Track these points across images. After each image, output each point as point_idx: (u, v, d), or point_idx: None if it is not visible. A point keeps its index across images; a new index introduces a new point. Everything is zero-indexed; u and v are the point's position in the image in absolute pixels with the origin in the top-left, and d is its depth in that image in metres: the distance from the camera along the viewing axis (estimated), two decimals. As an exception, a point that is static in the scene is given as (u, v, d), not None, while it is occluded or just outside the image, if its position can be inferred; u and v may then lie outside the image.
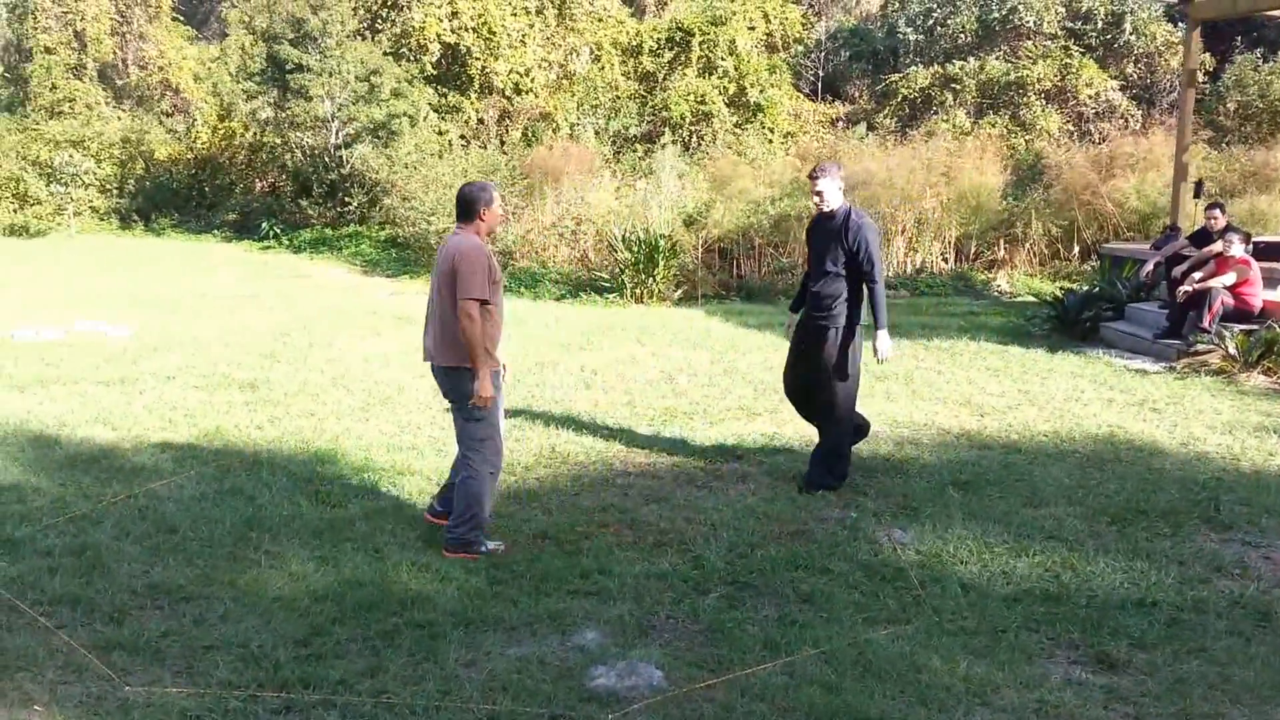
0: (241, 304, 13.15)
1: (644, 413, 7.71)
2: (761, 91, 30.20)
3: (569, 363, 9.45)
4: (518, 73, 27.63)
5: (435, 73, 26.27)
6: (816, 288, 6.07)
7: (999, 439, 7.14)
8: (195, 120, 26.95)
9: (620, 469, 6.40)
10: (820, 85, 34.52)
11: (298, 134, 22.74)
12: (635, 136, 28.05)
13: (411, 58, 25.53)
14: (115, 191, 26.17)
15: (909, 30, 30.26)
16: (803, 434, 7.15)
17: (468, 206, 5.01)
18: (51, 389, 8.19)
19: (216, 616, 4.15)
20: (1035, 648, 4.14)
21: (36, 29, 30.54)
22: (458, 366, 4.94)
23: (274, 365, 9.23)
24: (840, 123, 30.07)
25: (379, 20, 26.89)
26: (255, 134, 24.26)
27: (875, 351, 6.05)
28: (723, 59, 29.92)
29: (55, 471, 6.02)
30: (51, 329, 10.88)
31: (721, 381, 8.76)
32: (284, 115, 22.38)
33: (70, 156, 24.89)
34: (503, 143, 25.33)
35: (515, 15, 27.95)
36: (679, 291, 15.33)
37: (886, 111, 28.55)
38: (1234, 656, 4.03)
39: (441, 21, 25.92)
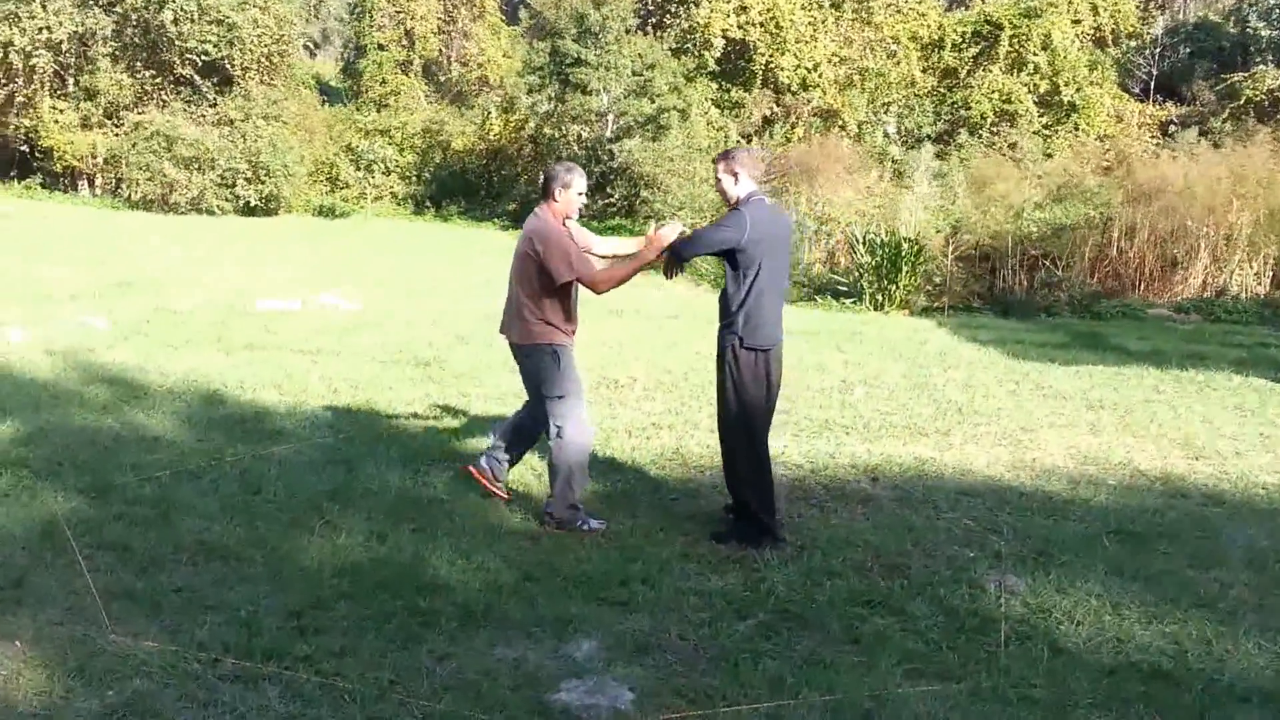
0: (474, 290, 13.85)
1: (797, 422, 7.32)
2: (1078, 90, 28.10)
3: (751, 365, 9.15)
4: (805, 68, 27.32)
5: (718, 68, 26.54)
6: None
7: (1203, 487, 6.17)
8: (489, 113, 28.77)
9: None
10: (1153, 85, 31.63)
11: (574, 127, 23.75)
12: (928, 136, 26.94)
13: (695, 53, 25.93)
14: (414, 179, 28.50)
15: (1262, 25, 26.95)
16: (962, 461, 6.52)
17: (546, 184, 5.15)
18: (254, 353, 8.98)
19: (237, 579, 4.33)
20: (1104, 733, 3.49)
21: (372, 27, 33.80)
22: (523, 344, 5.11)
23: (461, 347, 9.63)
24: (1172, 125, 27.39)
25: (666, 15, 27.54)
26: (535, 127, 25.54)
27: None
28: (1035, 54, 28.12)
29: (200, 428, 6.57)
30: (293, 301, 11.97)
31: (903, 397, 8.17)
32: (562, 109, 23.46)
33: (374, 144, 27.37)
34: (788, 140, 25.18)
35: (805, 8, 27.59)
36: (926, 300, 14.54)
37: (1225, 115, 25.66)
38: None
39: (728, 16, 26.10)
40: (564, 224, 5.12)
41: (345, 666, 3.63)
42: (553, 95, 23.47)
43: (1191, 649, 4.11)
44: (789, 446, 6.74)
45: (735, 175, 4.95)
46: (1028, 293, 14.85)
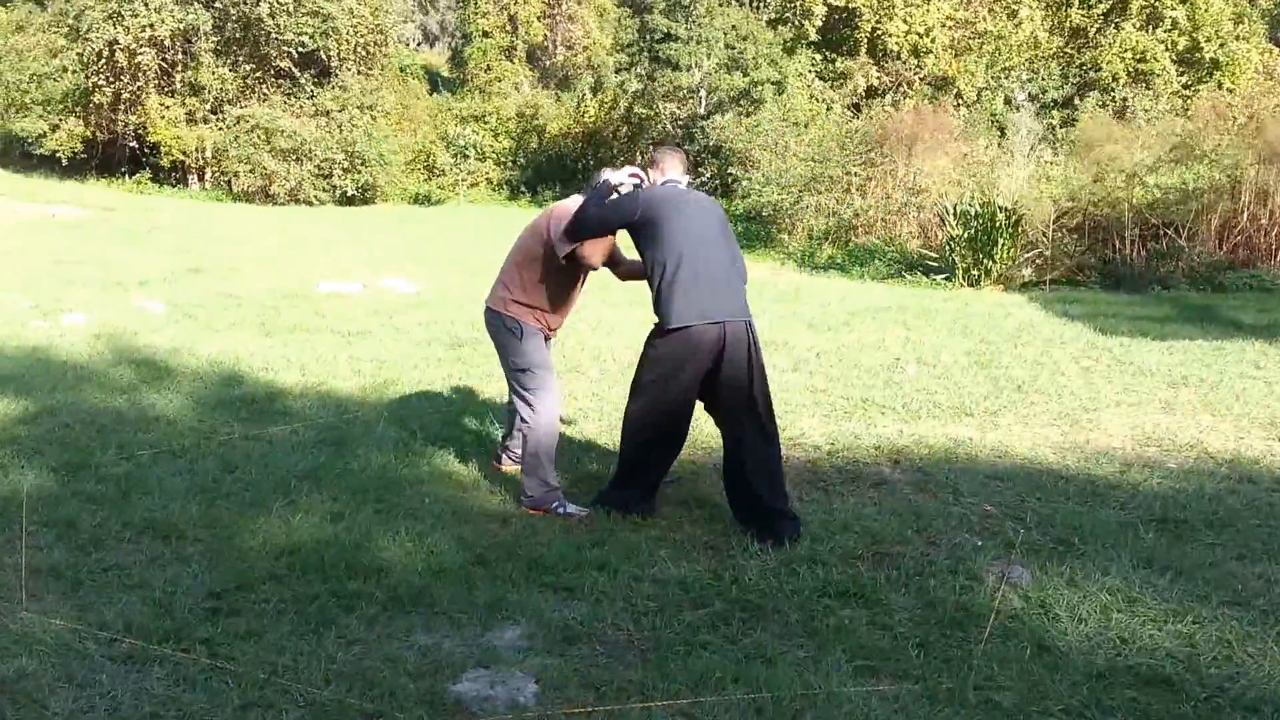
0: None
1: (832, 402, 6.96)
2: (1221, 46, 26.47)
3: (801, 343, 8.80)
4: (916, 33, 26.44)
5: (819, 38, 25.89)
6: None
7: (1278, 472, 5.55)
8: (584, 95, 28.80)
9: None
10: (1313, 37, 29.58)
11: (666, 105, 23.52)
12: (1054, 102, 25.72)
13: (794, 22, 25.36)
14: (509, 164, 28.76)
15: None
16: (1003, 443, 6.08)
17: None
18: (294, 335, 9.07)
19: (173, 558, 4.26)
20: (1067, 746, 3.11)
21: (477, 14, 34.25)
22: (491, 308, 5.11)
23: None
24: (1330, 81, 25.49)
25: (765, -16, 26.99)
26: (626, 106, 25.42)
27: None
28: (1172, 8, 26.58)
29: (206, 408, 6.61)
30: (354, 283, 12.11)
31: (959, 375, 7.69)
32: (653, 87, 23.27)
33: (467, 130, 27.71)
34: (896, 108, 24.41)
35: (916, -33, 26.66)
36: (1027, 273, 13.81)
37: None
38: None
39: (830, -19, 25.43)
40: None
41: (243, 650, 3.51)
42: (643, 73, 23.28)
43: (1206, 652, 3.66)
44: (813, 428, 6.39)
45: (661, 170, 4.88)
46: (1144, 264, 13.94)
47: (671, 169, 4.88)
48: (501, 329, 5.04)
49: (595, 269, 5.11)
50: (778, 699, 3.29)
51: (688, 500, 5.17)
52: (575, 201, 4.99)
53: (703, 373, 4.59)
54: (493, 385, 7.43)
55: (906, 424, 6.49)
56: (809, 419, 6.59)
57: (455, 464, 5.63)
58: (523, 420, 5.03)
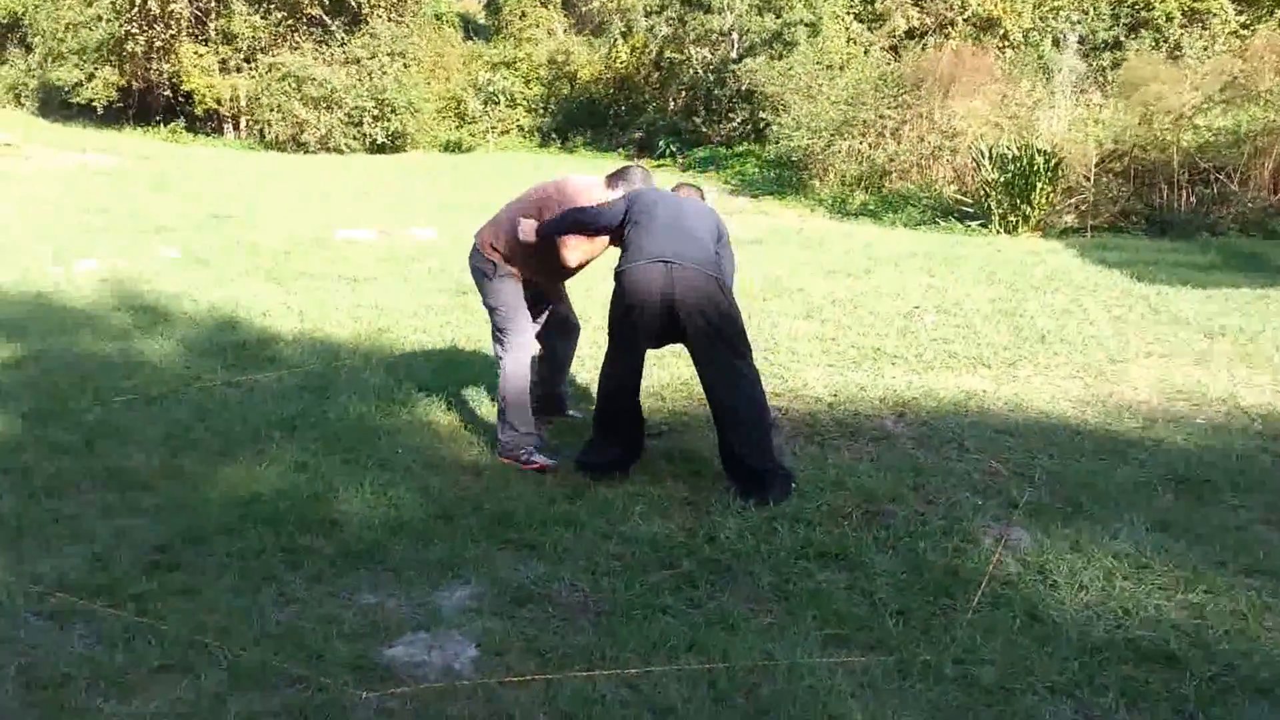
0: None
1: (842, 351, 6.62)
2: (1282, -22, 25.21)
3: (817, 290, 8.44)
4: (959, -31, 25.48)
5: (858, -23, 25.03)
6: None
7: (1314, 428, 5.17)
8: (616, 41, 28.14)
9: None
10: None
11: (697, 50, 22.89)
12: (1105, 44, 24.73)
13: (833, -41, 24.52)
14: (541, 111, 28.29)
15: None
16: (1018, 396, 5.74)
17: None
18: (300, 281, 8.86)
19: (126, 508, 4.08)
20: (1047, 725, 2.82)
21: (510, -43, 33.50)
22: (475, 247, 4.99)
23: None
24: None
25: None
26: (655, 51, 24.79)
27: None
28: (1232, -60, 25.33)
29: (196, 354, 6.42)
30: (371, 231, 11.88)
31: (980, 324, 7.30)
32: (683, 30, 22.64)
33: (498, 76, 27.25)
34: (939, 50, 23.58)
35: (963, -99, 25.57)
36: (1068, 219, 13.25)
37: None
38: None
39: (871, -83, 24.50)
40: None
41: (175, 608, 3.31)
42: (674, 16, 22.65)
43: (1217, 625, 3.33)
44: (817, 378, 6.07)
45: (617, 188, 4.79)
46: (1192, 210, 13.31)
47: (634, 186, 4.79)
48: (475, 268, 4.94)
49: (569, 268, 4.89)
50: (732, 669, 3.03)
51: (672, 453, 4.90)
52: (586, 183, 4.81)
53: (655, 318, 4.30)
54: (490, 333, 7.17)
55: (917, 375, 6.15)
56: (814, 369, 6.27)
57: (437, 413, 5.40)
58: (497, 361, 4.86)
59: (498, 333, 4.86)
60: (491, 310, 4.88)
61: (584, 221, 4.57)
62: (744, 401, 4.35)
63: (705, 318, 4.27)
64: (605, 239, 4.75)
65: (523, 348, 4.81)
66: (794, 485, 4.38)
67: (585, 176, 4.95)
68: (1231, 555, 3.83)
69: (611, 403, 4.54)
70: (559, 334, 5.27)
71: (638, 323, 4.34)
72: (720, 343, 4.33)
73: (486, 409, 5.44)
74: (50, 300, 7.86)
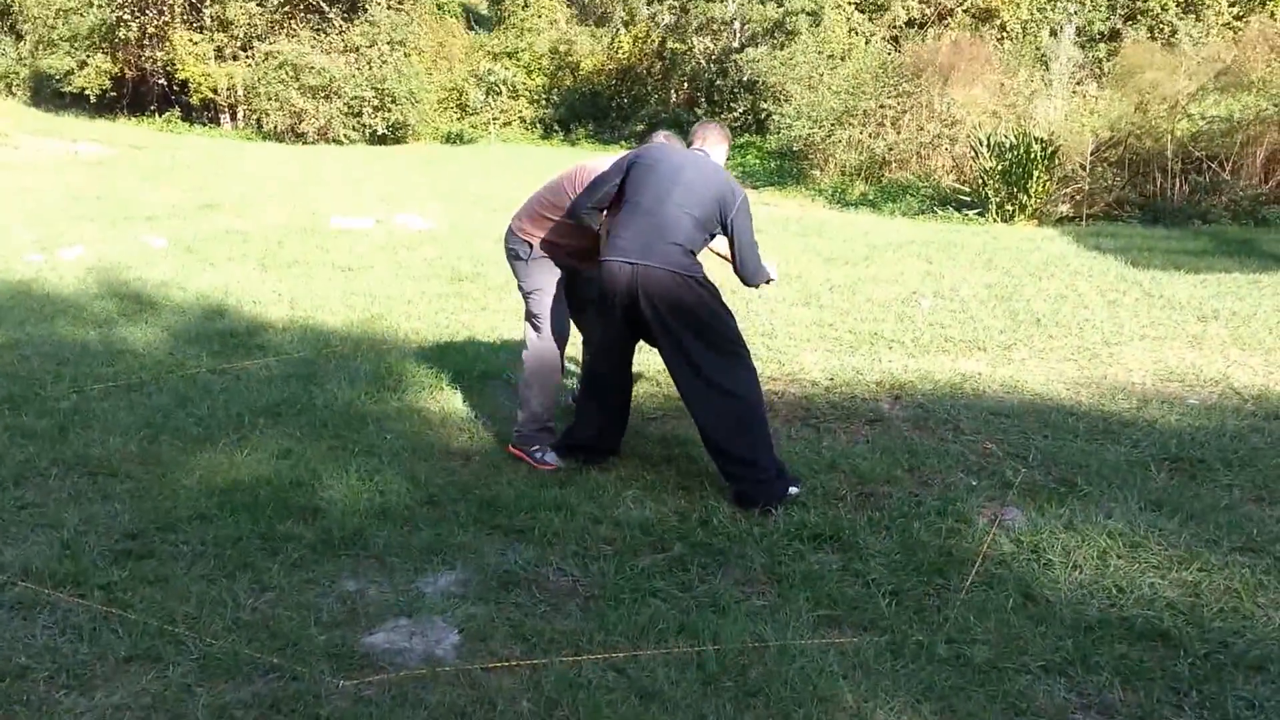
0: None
1: (839, 335, 6.56)
2: (1275, -32, 25.11)
3: (816, 276, 8.38)
4: (960, -38, 25.36)
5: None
6: None
7: (1313, 409, 5.11)
8: (619, 31, 28.04)
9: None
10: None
11: (699, 39, 22.80)
12: (1101, 34, 24.64)
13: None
14: (543, 102, 28.17)
15: None
16: (1014, 378, 5.67)
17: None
18: (292, 269, 8.78)
19: (98, 495, 3.99)
20: (1045, 701, 2.75)
21: (512, -54, 33.30)
22: (510, 230, 4.76)
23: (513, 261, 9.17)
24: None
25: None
26: (657, 41, 24.70)
27: None
28: (1224, -74, 25.21)
29: (182, 341, 6.34)
30: (367, 219, 11.80)
31: (976, 309, 7.24)
32: (685, 19, 22.55)
33: (499, 67, 27.12)
34: (938, 40, 23.48)
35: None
36: (1064, 208, 13.19)
37: None
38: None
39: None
40: None
41: (145, 596, 3.22)
42: (675, 4, 22.56)
43: (1211, 603, 3.27)
44: (814, 363, 6.00)
45: (700, 139, 4.47)
46: (1185, 199, 13.24)
47: (705, 142, 4.46)
48: (509, 249, 4.73)
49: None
50: (722, 652, 2.96)
51: (667, 438, 4.83)
52: (601, 162, 4.55)
53: (626, 315, 4.11)
54: (485, 319, 7.13)
55: (913, 358, 6.09)
56: (811, 354, 6.21)
57: (426, 399, 5.33)
58: (525, 345, 4.68)
59: (531, 317, 4.65)
60: (526, 295, 4.67)
61: (594, 193, 4.33)
62: (727, 408, 4.06)
63: (668, 321, 4.02)
64: None
65: (555, 333, 4.62)
66: (789, 491, 4.09)
67: (596, 161, 4.69)
68: (1224, 533, 3.76)
69: (592, 375, 4.44)
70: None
71: (614, 310, 4.15)
72: (687, 344, 4.05)
73: (479, 396, 5.37)
74: (30, 288, 7.75)
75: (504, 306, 7.45)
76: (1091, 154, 13.39)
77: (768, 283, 4.49)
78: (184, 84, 25.53)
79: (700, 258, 4.21)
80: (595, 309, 4.33)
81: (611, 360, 4.37)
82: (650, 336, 4.20)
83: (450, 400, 5.31)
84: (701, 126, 4.56)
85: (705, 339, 4.05)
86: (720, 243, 4.47)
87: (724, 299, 4.22)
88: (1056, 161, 12.91)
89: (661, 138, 4.52)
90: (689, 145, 4.45)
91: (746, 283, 4.37)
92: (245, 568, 3.44)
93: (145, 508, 3.87)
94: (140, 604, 3.17)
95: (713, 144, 4.44)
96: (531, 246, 4.65)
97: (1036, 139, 12.74)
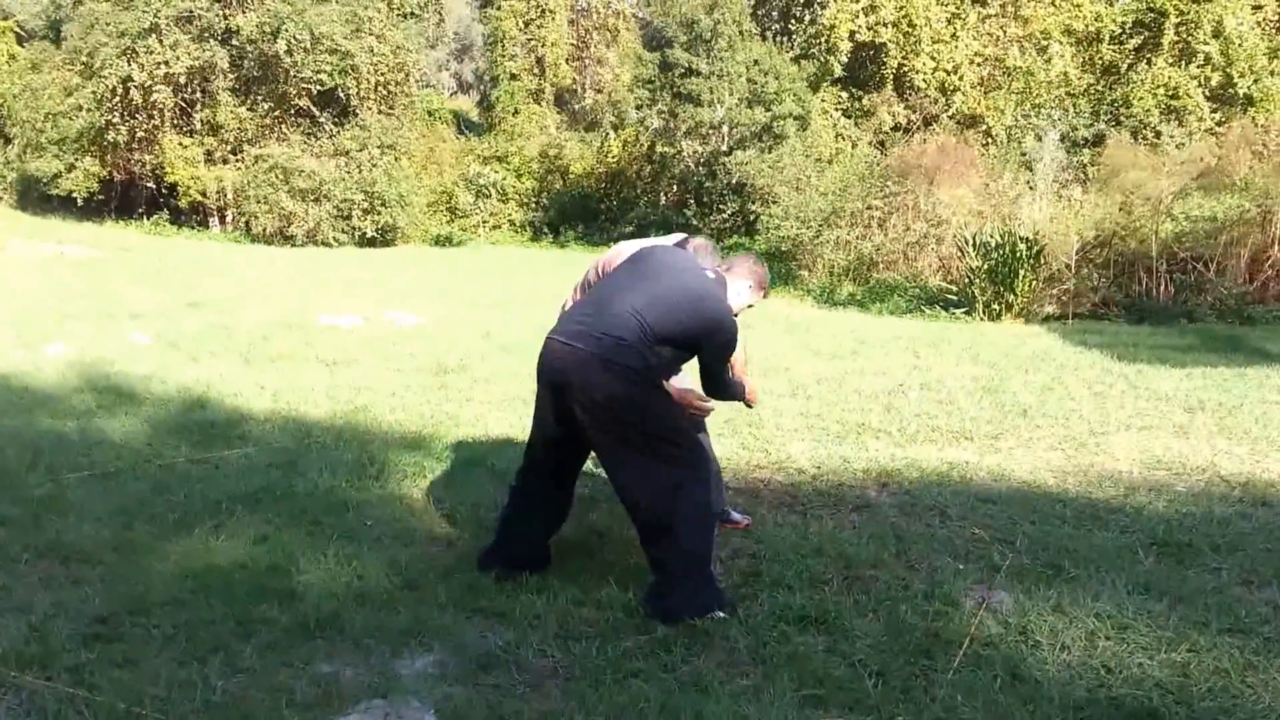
0: (545, 303, 13.50)
1: (825, 427, 6.61)
2: (1255, 81, 25.98)
3: (804, 369, 8.47)
4: (944, 70, 26.18)
5: (845, 74, 25.68)
6: None
7: (1299, 496, 5.15)
8: (608, 135, 28.72)
9: (727, 482, 5.45)
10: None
11: (688, 142, 23.35)
12: (1085, 140, 25.34)
13: (819, 57, 25.20)
14: (533, 205, 28.68)
15: None
16: (1001, 467, 5.71)
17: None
18: (276, 364, 8.84)
19: (68, 580, 3.96)
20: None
21: (504, 57, 34.38)
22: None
23: (498, 356, 9.28)
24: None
25: (791, 20, 26.86)
26: (646, 144, 25.28)
27: None
28: (1205, 43, 26.15)
29: (162, 433, 6.35)
30: (357, 317, 11.91)
31: (962, 400, 7.31)
32: (674, 123, 23.12)
33: (488, 170, 27.67)
34: (924, 145, 24.11)
35: (944, 4, 26.37)
36: (1050, 307, 13.39)
37: None
38: None
39: (856, 18, 25.23)
40: None
41: (113, 679, 3.19)
42: (664, 109, 23.17)
43: (1200, 683, 3.27)
44: (800, 452, 6.04)
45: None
46: (1170, 298, 13.48)
47: (729, 269, 4.25)
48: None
49: None
50: (705, 732, 2.94)
51: (650, 524, 4.82)
52: (629, 247, 4.37)
53: (554, 403, 3.86)
54: (471, 410, 7.16)
55: (900, 448, 6.13)
56: (798, 443, 6.25)
57: (409, 487, 5.34)
58: None
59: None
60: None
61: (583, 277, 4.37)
62: (632, 511, 3.90)
63: (597, 414, 3.73)
64: None
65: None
66: (718, 609, 3.76)
67: (623, 245, 4.51)
68: (1213, 616, 3.77)
69: (520, 485, 4.19)
70: None
71: (548, 409, 3.92)
72: (620, 443, 3.79)
73: (463, 484, 5.37)
74: (9, 381, 7.77)
75: (489, 398, 7.50)
76: (1077, 254, 13.65)
77: (746, 404, 4.37)
78: (173, 187, 25.90)
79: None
80: (537, 396, 4.04)
81: (549, 459, 4.07)
82: (578, 429, 3.86)
83: (434, 488, 5.32)
84: (740, 256, 4.38)
85: (648, 442, 3.77)
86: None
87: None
88: (1042, 261, 13.15)
89: (692, 245, 4.27)
90: (718, 263, 4.25)
91: (711, 396, 4.13)
92: (217, 650, 3.41)
93: (117, 592, 3.85)
94: (108, 686, 3.14)
95: (735, 275, 4.22)
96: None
97: (1022, 238, 13.01)
